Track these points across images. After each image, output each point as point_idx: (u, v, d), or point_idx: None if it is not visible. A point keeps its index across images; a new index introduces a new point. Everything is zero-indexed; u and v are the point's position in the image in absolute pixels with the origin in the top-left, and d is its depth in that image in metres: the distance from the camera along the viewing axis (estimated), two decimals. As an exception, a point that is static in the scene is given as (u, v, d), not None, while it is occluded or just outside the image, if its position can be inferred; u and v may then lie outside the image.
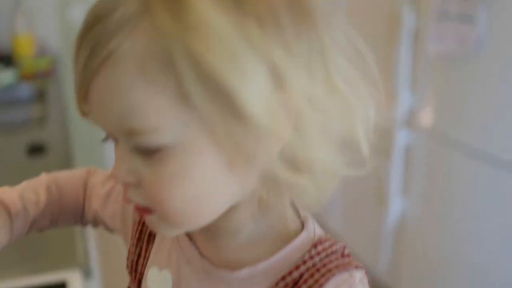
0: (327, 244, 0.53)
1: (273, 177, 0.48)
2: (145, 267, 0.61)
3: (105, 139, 0.50)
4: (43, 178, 0.69)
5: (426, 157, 1.77)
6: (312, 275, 0.50)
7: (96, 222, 0.71)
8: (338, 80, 0.48)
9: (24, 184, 0.67)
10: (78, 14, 2.62)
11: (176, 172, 0.45)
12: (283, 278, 0.51)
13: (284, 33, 0.45)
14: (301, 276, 0.51)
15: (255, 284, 0.52)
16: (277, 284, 0.51)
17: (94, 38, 0.44)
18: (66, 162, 1.49)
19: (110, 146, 0.53)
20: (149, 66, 0.42)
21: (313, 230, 0.54)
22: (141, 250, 0.62)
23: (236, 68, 0.42)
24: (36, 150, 1.58)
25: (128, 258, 0.63)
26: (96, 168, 0.73)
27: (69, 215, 0.70)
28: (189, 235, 0.57)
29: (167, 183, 0.46)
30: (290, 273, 0.51)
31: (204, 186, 0.46)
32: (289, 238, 0.53)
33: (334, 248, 0.53)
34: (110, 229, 0.70)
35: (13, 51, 2.52)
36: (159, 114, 0.43)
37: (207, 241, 0.55)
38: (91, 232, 1.36)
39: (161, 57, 0.42)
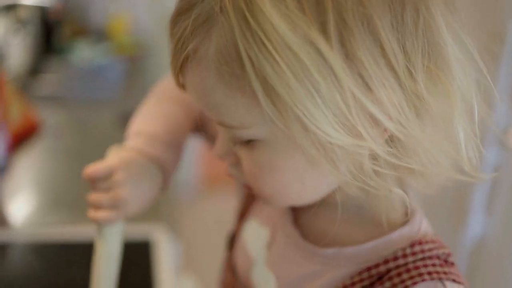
0: (427, 246, 0.49)
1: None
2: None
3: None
4: (179, 112, 0.68)
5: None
6: (399, 274, 0.48)
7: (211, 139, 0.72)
8: (442, 72, 0.45)
9: (166, 125, 0.65)
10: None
11: (266, 162, 0.46)
12: (368, 269, 0.49)
13: (376, 32, 0.41)
14: (388, 271, 0.48)
15: (339, 266, 0.51)
16: (360, 273, 0.49)
17: (178, 32, 0.45)
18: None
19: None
20: (225, 71, 0.43)
21: (418, 227, 0.51)
22: (253, 200, 0.63)
23: (303, 88, 0.40)
24: (126, 121, 1.62)
25: (240, 204, 0.65)
26: None
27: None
28: None
29: (259, 171, 0.47)
30: (376, 266, 0.49)
31: (292, 177, 0.46)
32: (389, 229, 0.50)
33: (434, 252, 0.49)
34: None
35: (107, 28, 2.59)
36: (241, 113, 0.44)
37: (307, 208, 0.54)
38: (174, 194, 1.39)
39: (234, 63, 0.42)
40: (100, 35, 2.50)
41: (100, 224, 0.57)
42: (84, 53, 2.30)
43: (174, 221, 1.15)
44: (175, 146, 0.64)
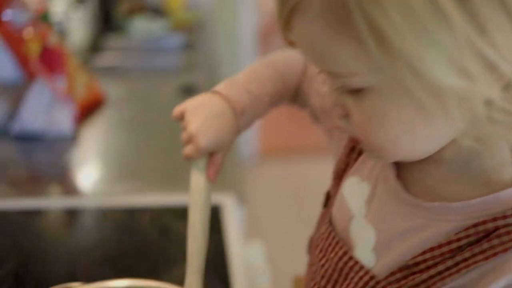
0: None
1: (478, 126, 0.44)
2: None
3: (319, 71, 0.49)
4: (265, 68, 0.72)
5: None
6: (509, 233, 0.46)
7: (306, 107, 0.74)
8: None
9: (249, 76, 0.71)
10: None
11: (376, 111, 0.45)
12: (475, 225, 0.47)
13: None
14: (496, 229, 0.46)
15: (444, 221, 0.49)
16: (467, 229, 0.47)
17: None
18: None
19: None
20: (331, 19, 0.42)
21: None
22: (351, 160, 0.61)
23: (412, 31, 0.39)
24: (186, 91, 1.64)
25: (336, 165, 0.64)
26: None
27: (286, 99, 0.75)
28: None
29: (369, 121, 0.46)
30: (484, 222, 0.47)
31: (403, 126, 0.45)
32: (499, 187, 0.48)
33: None
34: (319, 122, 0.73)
35: (164, 5, 2.61)
36: (349, 60, 0.43)
37: (411, 164, 0.52)
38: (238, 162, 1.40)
39: (340, 10, 0.41)
40: (157, 12, 2.52)
41: (189, 160, 0.66)
42: (142, 29, 2.32)
43: (239, 188, 1.15)
44: (252, 94, 0.68)
